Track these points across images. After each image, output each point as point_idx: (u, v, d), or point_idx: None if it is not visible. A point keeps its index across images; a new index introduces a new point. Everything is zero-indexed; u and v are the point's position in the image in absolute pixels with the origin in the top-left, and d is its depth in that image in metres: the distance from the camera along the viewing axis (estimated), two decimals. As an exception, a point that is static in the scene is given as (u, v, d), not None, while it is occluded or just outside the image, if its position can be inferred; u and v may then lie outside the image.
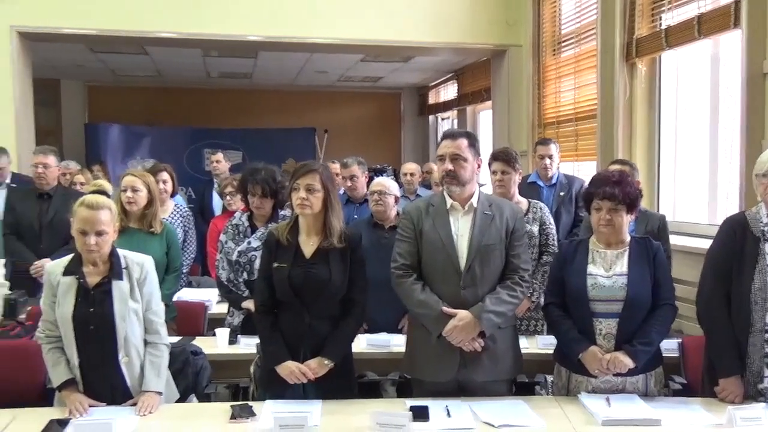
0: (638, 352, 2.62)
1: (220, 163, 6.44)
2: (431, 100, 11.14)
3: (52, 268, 2.63)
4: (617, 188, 2.70)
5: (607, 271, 2.72)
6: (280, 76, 9.93)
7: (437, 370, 2.72)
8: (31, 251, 4.47)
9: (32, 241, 4.53)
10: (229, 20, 6.30)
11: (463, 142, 2.77)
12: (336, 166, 5.38)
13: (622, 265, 2.71)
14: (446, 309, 2.66)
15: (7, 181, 5.28)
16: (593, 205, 2.75)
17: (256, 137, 9.97)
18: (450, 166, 2.74)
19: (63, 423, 2.38)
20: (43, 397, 2.85)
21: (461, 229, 2.75)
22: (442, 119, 10.85)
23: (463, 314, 2.65)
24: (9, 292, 4.04)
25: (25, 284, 4.21)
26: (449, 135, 2.84)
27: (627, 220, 2.75)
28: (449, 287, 2.71)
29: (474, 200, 2.79)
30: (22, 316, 3.79)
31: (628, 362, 2.61)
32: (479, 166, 2.84)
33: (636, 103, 5.10)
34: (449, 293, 2.70)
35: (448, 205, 2.79)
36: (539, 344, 3.34)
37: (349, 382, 2.80)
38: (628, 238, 2.77)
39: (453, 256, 2.71)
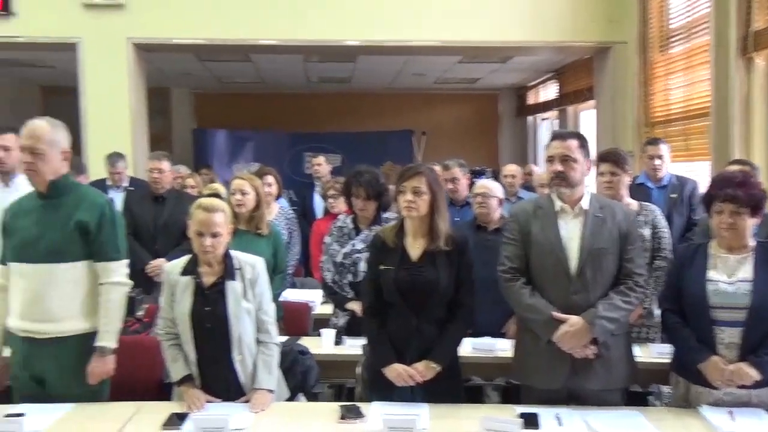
0: (765, 363, 2.47)
1: (321, 166, 6.56)
2: (530, 100, 10.94)
3: (171, 267, 2.76)
4: (740, 190, 2.55)
5: (730, 276, 2.57)
6: (378, 79, 10.03)
7: (547, 377, 2.66)
8: (146, 251, 4.69)
9: (148, 241, 4.76)
10: (328, 26, 6.42)
11: (573, 143, 2.70)
12: (437, 169, 5.37)
13: (746, 271, 2.56)
14: (556, 314, 2.60)
15: (125, 184, 5.59)
16: (714, 208, 2.61)
17: (355, 140, 10.10)
18: (560, 168, 2.68)
19: (182, 417, 2.49)
20: (160, 390, 2.99)
21: (571, 232, 2.68)
22: (542, 120, 10.64)
23: (574, 320, 2.58)
24: (131, 290, 4.27)
25: (142, 283, 4.44)
26: (558, 136, 2.78)
27: (750, 224, 2.59)
28: (559, 292, 2.64)
29: (584, 202, 2.71)
30: (140, 313, 3.99)
31: (754, 374, 2.46)
32: (589, 168, 2.76)
33: (753, 100, 4.82)
34: (559, 298, 2.63)
35: (557, 208, 2.72)
36: (653, 353, 3.20)
37: (456, 385, 2.78)
38: (752, 243, 2.61)
39: (563, 260, 2.64)
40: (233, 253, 2.75)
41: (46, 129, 2.67)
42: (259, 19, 6.41)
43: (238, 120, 10.53)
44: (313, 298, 4.40)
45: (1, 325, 2.72)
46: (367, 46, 6.71)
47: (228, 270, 2.69)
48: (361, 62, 8.72)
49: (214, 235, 2.64)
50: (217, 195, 2.81)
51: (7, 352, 2.74)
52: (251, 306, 2.69)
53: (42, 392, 2.67)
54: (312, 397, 3.07)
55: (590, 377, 2.62)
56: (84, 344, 2.65)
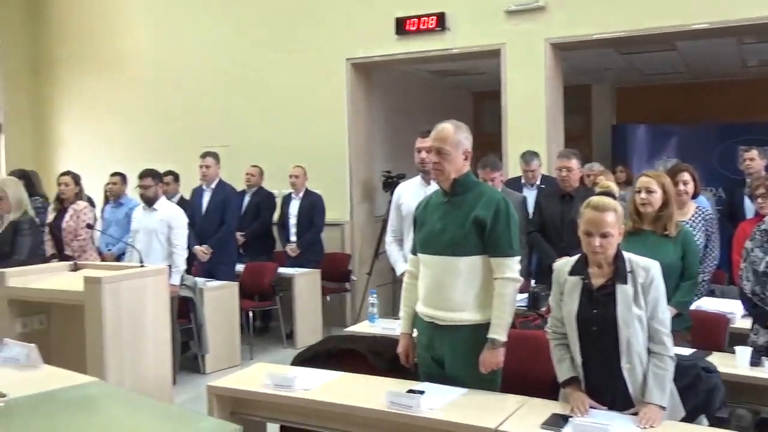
0: None
1: (754, 161, 5.77)
2: None
3: (560, 266, 2.73)
4: None
5: None
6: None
7: None
8: (552, 247, 4.76)
9: (555, 238, 4.84)
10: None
11: None
12: None
13: None
14: None
15: (538, 182, 5.76)
16: None
17: (802, 131, 8.64)
18: None
19: (564, 419, 2.45)
20: (551, 389, 2.98)
21: None
22: None
23: None
24: (534, 285, 4.41)
25: (547, 279, 4.51)
26: None
27: None
28: None
29: None
30: (543, 308, 4.07)
31: None
32: None
33: None
34: None
35: None
36: None
37: None
38: None
39: None
40: (626, 255, 2.60)
41: (451, 131, 2.89)
42: (688, 3, 5.95)
43: (660, 113, 9.93)
44: (733, 309, 3.91)
45: (411, 309, 3.04)
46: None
47: (618, 272, 2.55)
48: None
49: (604, 236, 2.53)
50: (609, 193, 2.68)
51: (415, 333, 3.06)
52: (642, 313, 2.51)
53: (443, 373, 2.91)
54: (716, 421, 2.72)
55: None
56: (477, 334, 2.80)
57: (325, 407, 2.73)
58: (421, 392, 2.69)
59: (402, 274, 4.14)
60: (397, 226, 4.22)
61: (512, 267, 2.82)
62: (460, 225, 2.83)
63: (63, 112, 9.24)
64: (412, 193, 4.12)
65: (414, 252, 3.05)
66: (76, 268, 4.19)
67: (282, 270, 6.60)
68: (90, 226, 5.65)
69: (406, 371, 3.09)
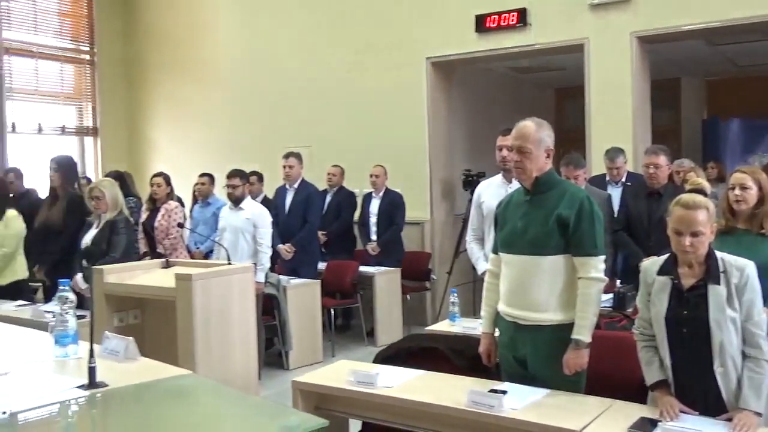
0: None
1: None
2: None
3: (648, 266, 2.65)
4: None
5: None
6: None
7: None
8: (639, 247, 4.62)
9: (642, 237, 4.69)
10: None
11: None
12: None
13: None
14: None
15: (623, 179, 5.60)
16: None
17: None
18: None
19: (653, 423, 2.38)
20: (638, 391, 2.90)
21: None
22: None
23: None
24: (619, 285, 4.30)
25: (633, 278, 4.38)
26: None
27: None
28: None
29: None
30: (629, 309, 3.96)
31: None
32: None
33: None
34: None
35: None
36: None
37: None
38: None
39: None
40: (719, 254, 2.50)
41: (533, 129, 2.86)
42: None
43: (754, 107, 9.46)
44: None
45: (493, 308, 3.02)
46: None
47: (710, 272, 2.46)
48: None
49: (695, 234, 2.44)
50: (700, 191, 2.58)
51: (497, 332, 3.04)
52: (736, 315, 2.41)
53: (525, 373, 2.88)
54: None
55: None
56: (559, 334, 2.76)
57: (406, 405, 2.75)
58: (504, 392, 2.67)
59: (483, 273, 4.14)
60: (478, 225, 4.19)
61: (597, 266, 2.76)
62: (542, 224, 2.79)
63: (154, 116, 9.65)
64: (492, 191, 4.08)
65: (495, 251, 3.03)
66: (167, 265, 4.37)
67: (363, 268, 6.68)
68: (181, 225, 5.88)
69: (487, 371, 3.07)
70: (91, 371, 1.87)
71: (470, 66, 7.79)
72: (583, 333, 2.73)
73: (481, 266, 4.15)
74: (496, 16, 6.83)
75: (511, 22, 6.76)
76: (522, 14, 6.71)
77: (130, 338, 2.18)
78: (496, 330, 3.04)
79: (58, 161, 5.38)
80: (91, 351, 1.91)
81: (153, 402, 1.99)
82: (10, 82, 8.53)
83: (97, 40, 9.40)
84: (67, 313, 2.20)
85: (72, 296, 2.22)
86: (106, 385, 1.88)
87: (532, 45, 6.79)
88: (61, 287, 2.24)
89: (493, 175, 4.29)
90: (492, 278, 3.05)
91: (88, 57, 9.45)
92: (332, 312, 6.54)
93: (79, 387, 1.87)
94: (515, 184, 3.99)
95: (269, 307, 5.72)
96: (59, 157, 5.55)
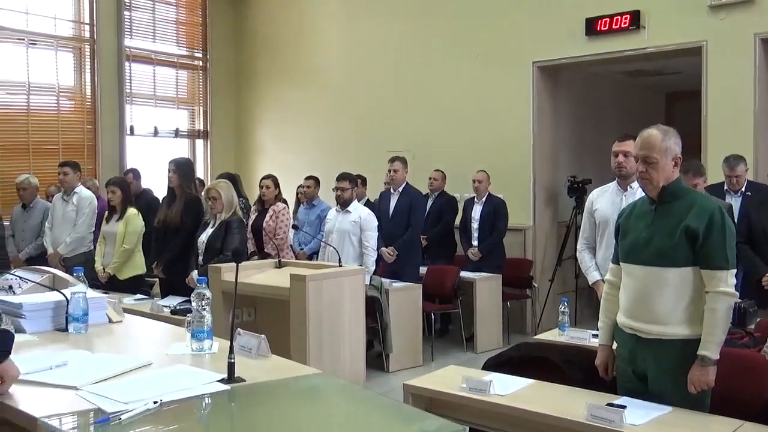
0: None
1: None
2: None
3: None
4: None
5: None
6: None
7: None
8: (762, 260, 4.40)
9: (765, 250, 4.47)
10: None
11: None
12: None
13: None
14: None
15: (743, 189, 5.33)
16: None
17: None
18: None
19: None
20: (765, 412, 2.76)
21: None
22: None
23: None
24: (740, 300, 4.08)
25: (755, 294, 4.18)
26: None
27: None
28: None
29: None
30: (751, 326, 3.76)
31: None
32: None
33: None
34: None
35: None
36: None
37: None
38: None
39: None
40: None
41: (659, 138, 2.76)
42: None
43: None
44: None
45: (611, 320, 2.94)
46: None
47: None
48: None
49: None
50: None
51: (614, 345, 2.96)
52: None
53: (644, 389, 2.78)
54: None
55: None
56: (684, 350, 2.65)
57: (521, 414, 2.72)
58: (623, 407, 2.60)
59: (594, 284, 4.05)
60: (590, 233, 4.10)
61: (727, 281, 2.64)
62: (668, 235, 2.70)
63: (261, 120, 9.97)
64: (607, 199, 3.98)
65: (616, 261, 2.95)
66: (280, 265, 4.51)
67: (463, 273, 6.65)
68: (295, 227, 6.07)
69: (600, 383, 2.99)
70: (230, 366, 1.95)
71: (578, 70, 7.63)
72: (711, 349, 2.61)
73: (593, 276, 4.06)
74: (608, 19, 6.65)
75: (623, 25, 6.57)
76: (635, 16, 6.51)
77: (262, 336, 2.26)
78: (614, 342, 2.96)
79: (177, 163, 5.64)
80: (231, 347, 2.00)
81: (288, 400, 2.06)
82: (130, 88, 9.03)
83: (209, 47, 9.82)
84: (204, 309, 2.31)
85: (208, 293, 2.33)
86: (243, 380, 1.96)
87: (645, 48, 6.57)
88: (198, 284, 2.36)
89: (601, 181, 4.18)
90: (611, 289, 2.97)
91: (200, 63, 9.87)
92: (432, 316, 6.55)
93: (219, 381, 1.96)
94: (631, 192, 3.89)
95: (371, 310, 5.78)
96: (178, 159, 5.82)
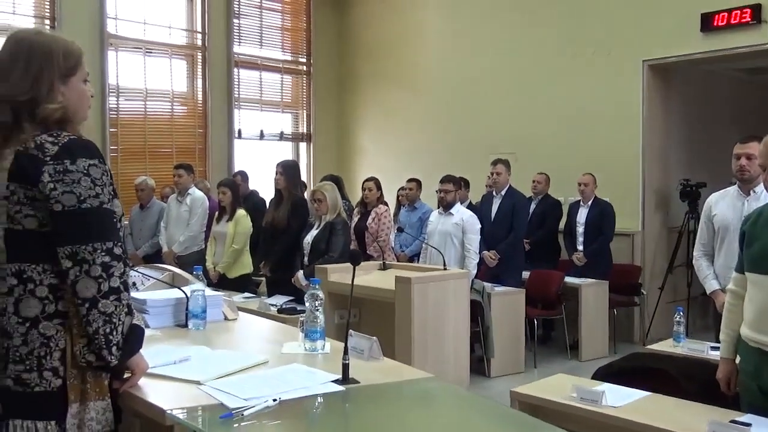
0: None
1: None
2: None
3: None
4: None
5: None
6: None
7: None
8: None
9: None
10: None
11: None
12: None
13: None
14: None
15: None
16: None
17: None
18: None
19: None
20: None
21: None
22: None
23: None
24: None
25: None
26: None
27: None
28: None
29: None
30: None
31: None
32: None
33: None
34: None
35: None
36: None
37: None
38: None
39: None
40: None
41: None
42: None
43: None
44: None
45: (734, 332, 2.79)
46: None
47: None
48: None
49: None
50: None
51: (738, 359, 2.80)
52: None
53: (771, 406, 2.62)
54: None
55: None
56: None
57: (635, 428, 2.62)
58: (748, 424, 2.46)
59: (713, 293, 3.86)
60: (708, 240, 3.91)
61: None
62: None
63: (362, 123, 10.11)
64: (727, 203, 3.79)
65: (740, 270, 2.80)
66: (384, 267, 4.55)
67: (568, 279, 6.49)
68: (400, 229, 6.12)
69: (720, 399, 2.84)
70: (345, 368, 1.98)
71: (692, 68, 7.29)
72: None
73: (710, 285, 3.88)
74: (726, 14, 6.32)
75: (743, 20, 6.22)
76: (756, 11, 6.15)
77: (374, 338, 2.29)
78: (738, 357, 2.80)
79: (284, 165, 5.80)
80: (346, 348, 2.03)
81: (403, 403, 2.07)
82: (238, 93, 9.36)
83: (313, 52, 10.04)
84: (317, 309, 2.36)
85: (321, 294, 2.37)
86: (357, 382, 1.99)
87: (766, 44, 6.21)
88: (311, 286, 2.41)
89: (715, 185, 3.98)
90: (734, 299, 2.81)
91: (304, 68, 10.12)
92: (534, 322, 6.43)
93: (333, 381, 2.00)
94: (754, 196, 3.68)
95: (473, 313, 5.72)
96: (285, 161, 5.98)
